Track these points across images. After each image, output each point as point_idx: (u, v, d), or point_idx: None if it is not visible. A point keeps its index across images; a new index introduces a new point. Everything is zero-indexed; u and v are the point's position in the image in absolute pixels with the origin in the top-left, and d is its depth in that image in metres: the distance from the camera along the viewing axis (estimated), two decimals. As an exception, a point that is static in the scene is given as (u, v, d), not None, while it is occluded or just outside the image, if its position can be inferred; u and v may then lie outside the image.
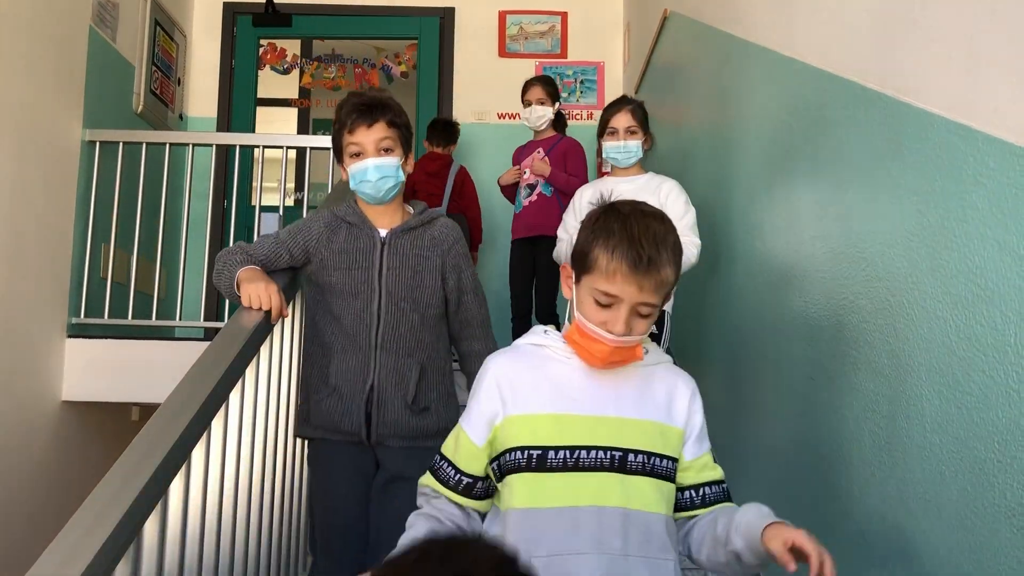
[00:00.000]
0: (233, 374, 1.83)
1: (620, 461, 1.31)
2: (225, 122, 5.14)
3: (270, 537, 2.19)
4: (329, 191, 3.68)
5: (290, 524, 2.36)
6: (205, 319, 3.92)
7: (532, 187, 3.83)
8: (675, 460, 1.35)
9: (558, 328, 1.46)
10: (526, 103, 3.90)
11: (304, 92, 5.79)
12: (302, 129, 5.93)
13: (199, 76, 5.15)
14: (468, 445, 1.38)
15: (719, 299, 2.91)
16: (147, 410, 3.83)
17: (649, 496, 1.31)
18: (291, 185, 5.04)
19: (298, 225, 2.11)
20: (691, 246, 2.65)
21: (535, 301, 3.88)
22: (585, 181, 3.64)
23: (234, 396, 1.91)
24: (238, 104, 5.20)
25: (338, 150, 2.07)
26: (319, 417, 2.03)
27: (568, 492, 1.30)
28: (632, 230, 1.27)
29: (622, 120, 2.92)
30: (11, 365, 3.24)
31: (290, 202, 4.89)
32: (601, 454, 1.31)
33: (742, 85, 2.73)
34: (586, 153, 3.90)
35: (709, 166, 3.13)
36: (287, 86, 5.74)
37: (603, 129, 2.97)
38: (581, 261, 1.33)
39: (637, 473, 1.31)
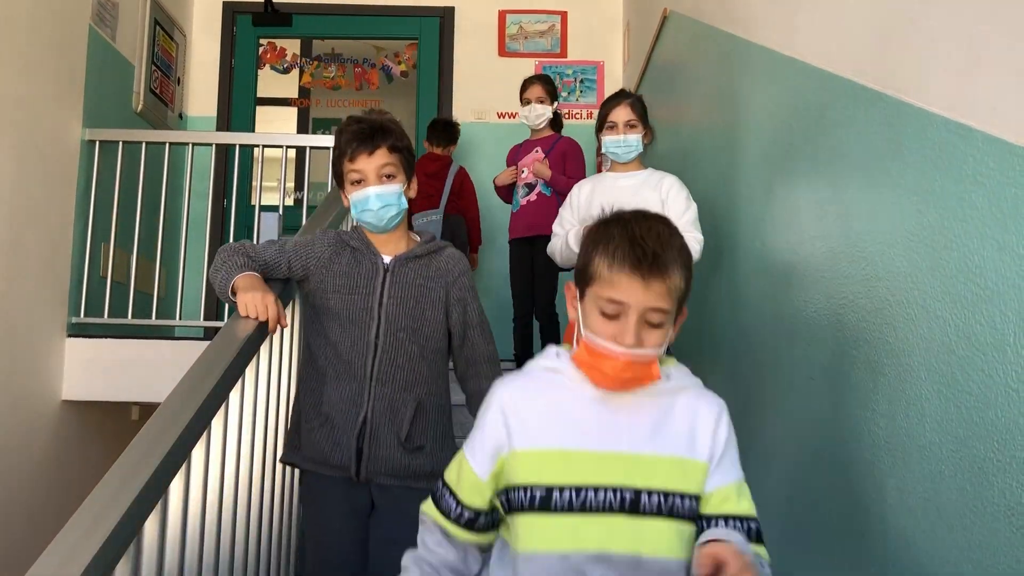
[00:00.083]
0: (233, 374, 1.83)
1: (632, 502, 1.20)
2: (225, 121, 5.14)
3: (270, 537, 2.19)
4: (329, 191, 3.67)
5: (290, 524, 2.36)
6: (205, 318, 3.93)
7: (531, 186, 3.81)
8: (699, 498, 1.24)
9: (558, 337, 1.39)
10: (525, 101, 3.88)
11: (304, 91, 5.78)
12: (302, 128, 5.92)
13: (199, 75, 5.15)
14: (471, 476, 1.29)
15: (719, 298, 2.90)
16: (147, 410, 3.85)
17: (666, 540, 1.20)
18: (291, 184, 5.03)
19: (305, 241, 2.07)
20: (693, 242, 2.62)
21: (535, 301, 3.87)
22: (584, 182, 3.63)
23: (234, 396, 1.91)
24: (238, 103, 5.20)
25: (339, 177, 2.02)
26: (310, 448, 1.96)
27: (573, 536, 1.20)
28: (633, 232, 1.21)
29: (621, 114, 2.86)
30: (11, 364, 3.24)
31: (290, 201, 4.88)
32: (610, 494, 1.20)
33: (742, 85, 2.73)
34: (584, 153, 3.90)
35: (709, 166, 3.12)
36: (287, 85, 5.73)
37: (602, 123, 2.90)
38: (583, 274, 1.26)
39: (653, 515, 1.20)
